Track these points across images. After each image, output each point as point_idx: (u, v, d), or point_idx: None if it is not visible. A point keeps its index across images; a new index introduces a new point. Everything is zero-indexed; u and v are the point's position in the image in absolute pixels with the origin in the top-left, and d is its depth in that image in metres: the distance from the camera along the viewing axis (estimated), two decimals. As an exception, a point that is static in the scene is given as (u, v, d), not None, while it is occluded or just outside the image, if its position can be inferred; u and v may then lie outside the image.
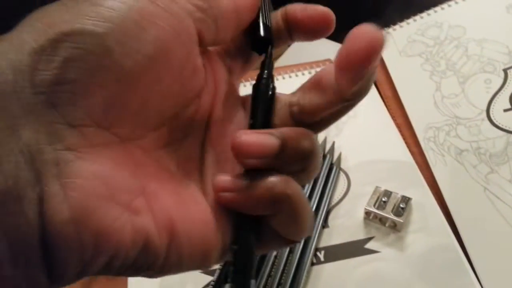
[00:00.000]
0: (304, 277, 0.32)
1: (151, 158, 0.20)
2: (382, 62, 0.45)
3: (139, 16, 0.18)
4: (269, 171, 0.19)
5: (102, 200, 0.17)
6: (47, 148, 0.16)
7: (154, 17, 0.18)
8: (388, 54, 0.45)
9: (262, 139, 0.19)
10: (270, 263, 0.33)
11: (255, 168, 0.19)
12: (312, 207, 0.36)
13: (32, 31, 0.17)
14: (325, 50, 0.55)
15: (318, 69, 0.46)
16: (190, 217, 0.19)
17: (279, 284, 0.32)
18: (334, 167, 0.39)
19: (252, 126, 0.20)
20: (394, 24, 0.47)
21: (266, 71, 0.22)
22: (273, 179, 0.19)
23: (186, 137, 0.21)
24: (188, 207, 0.19)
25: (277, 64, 0.56)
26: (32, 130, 0.16)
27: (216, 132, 0.22)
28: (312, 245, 0.34)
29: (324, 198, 0.37)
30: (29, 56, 0.17)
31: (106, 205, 0.17)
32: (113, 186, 0.17)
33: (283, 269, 0.33)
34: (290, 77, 0.47)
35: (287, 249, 0.34)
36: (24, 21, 0.18)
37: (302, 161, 0.20)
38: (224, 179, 0.20)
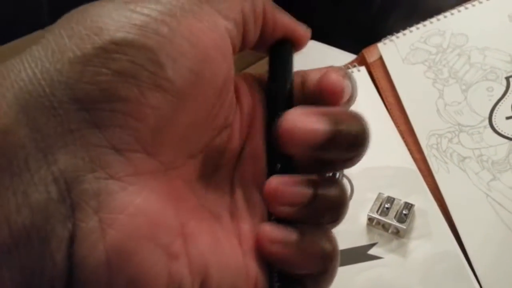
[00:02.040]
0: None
1: (191, 191, 0.18)
2: (385, 69, 0.45)
3: (189, 32, 0.16)
4: (318, 225, 0.18)
5: (143, 241, 0.14)
6: (87, 176, 0.14)
7: (201, 34, 0.16)
8: (391, 62, 0.45)
9: (296, 186, 0.18)
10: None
11: (286, 217, 0.18)
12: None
13: (74, 36, 0.15)
14: (329, 57, 0.56)
15: (321, 76, 0.47)
16: (225, 262, 0.17)
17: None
18: (337, 174, 0.39)
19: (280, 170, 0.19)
20: (398, 31, 0.47)
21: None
22: (326, 235, 0.18)
23: (217, 170, 0.19)
24: (223, 251, 0.17)
25: (281, 70, 0.57)
26: (70, 154, 0.14)
27: (248, 167, 0.20)
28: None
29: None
30: (71, 66, 0.14)
31: (147, 248, 0.14)
32: (156, 224, 0.15)
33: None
34: (293, 83, 0.47)
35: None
36: (59, 22, 0.15)
37: (333, 211, 0.19)
38: (274, 228, 0.18)
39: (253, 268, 0.18)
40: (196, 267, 0.16)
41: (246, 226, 0.19)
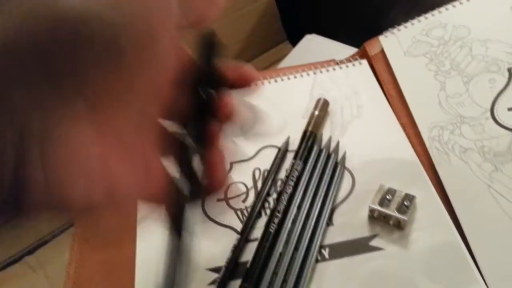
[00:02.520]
0: (308, 274, 0.33)
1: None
2: (387, 62, 0.45)
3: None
4: None
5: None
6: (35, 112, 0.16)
7: None
8: (393, 54, 0.45)
9: None
10: (275, 260, 0.33)
11: None
12: (317, 205, 0.36)
13: None
14: (329, 50, 0.56)
15: (323, 70, 0.47)
16: None
17: (284, 281, 0.32)
18: (339, 166, 0.39)
19: None
20: (399, 24, 0.47)
21: None
22: None
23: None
24: None
25: (281, 65, 0.57)
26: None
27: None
28: (316, 242, 0.34)
29: (329, 197, 0.37)
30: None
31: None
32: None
33: (288, 267, 0.33)
34: (295, 77, 0.47)
35: (292, 247, 0.34)
36: None
37: None
38: None
39: None
40: None
41: None
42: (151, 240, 0.36)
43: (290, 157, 0.40)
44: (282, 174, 0.40)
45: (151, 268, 0.35)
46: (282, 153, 0.41)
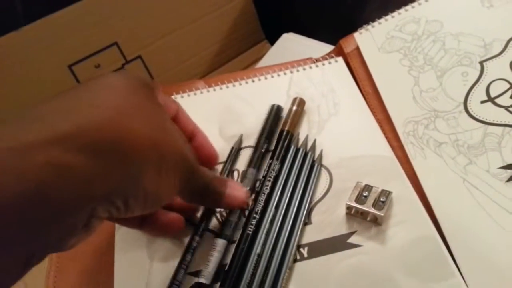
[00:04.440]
0: (286, 274, 0.33)
1: None
2: (362, 58, 0.46)
3: None
4: None
5: None
6: None
7: None
8: (368, 51, 0.45)
9: None
10: (254, 262, 0.33)
11: None
12: (295, 205, 0.36)
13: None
14: (307, 49, 0.56)
15: (300, 68, 0.47)
16: None
17: (262, 282, 0.32)
18: (315, 164, 0.39)
19: None
20: (373, 21, 0.47)
21: None
22: None
23: None
24: None
25: (259, 64, 0.57)
26: None
27: None
28: (294, 241, 0.34)
29: (306, 196, 0.37)
30: None
31: None
32: None
33: (266, 267, 0.33)
34: (272, 77, 0.47)
35: (270, 247, 0.34)
36: None
37: None
38: None
39: None
40: None
41: None
42: (129, 247, 0.36)
43: (267, 157, 0.40)
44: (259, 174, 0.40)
45: (130, 276, 0.35)
46: (235, 151, 0.41)
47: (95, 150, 0.21)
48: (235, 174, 0.40)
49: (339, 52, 0.48)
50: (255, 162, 0.40)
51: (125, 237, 0.37)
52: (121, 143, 0.22)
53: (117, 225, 0.37)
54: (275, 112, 0.43)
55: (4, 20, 0.46)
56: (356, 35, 0.47)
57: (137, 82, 0.26)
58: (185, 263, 0.34)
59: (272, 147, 0.41)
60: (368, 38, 0.46)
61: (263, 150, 0.41)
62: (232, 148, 0.41)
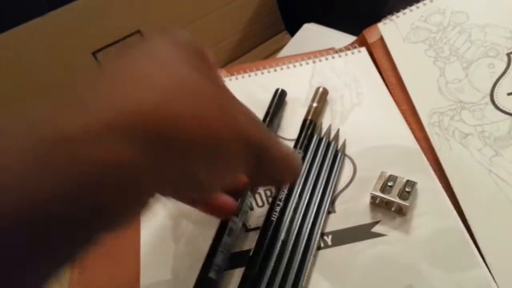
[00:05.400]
0: (311, 261, 0.33)
1: None
2: (386, 49, 0.45)
3: None
4: None
5: None
6: None
7: None
8: (392, 41, 0.45)
9: None
10: (278, 248, 0.33)
11: None
12: (318, 193, 0.36)
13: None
14: (328, 39, 0.55)
15: (322, 58, 0.47)
16: None
17: (286, 268, 0.33)
18: (339, 154, 0.39)
19: None
20: (398, 11, 0.47)
21: None
22: None
23: None
24: None
25: (280, 55, 0.57)
26: None
27: None
28: (318, 229, 0.34)
29: (330, 185, 0.37)
30: None
31: None
32: None
33: (291, 254, 0.33)
34: (294, 66, 0.47)
35: (294, 234, 0.34)
36: None
37: None
38: None
39: None
40: None
41: None
42: (155, 227, 0.37)
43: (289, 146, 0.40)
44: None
45: (155, 255, 0.35)
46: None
47: (145, 141, 0.18)
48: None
49: (362, 42, 0.48)
50: None
51: (150, 217, 0.37)
52: (172, 132, 0.19)
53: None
54: (279, 96, 0.43)
55: (28, 7, 0.47)
56: (380, 25, 0.47)
57: (188, 51, 0.21)
58: (223, 245, 0.34)
59: (276, 131, 0.42)
60: (393, 29, 0.46)
61: None
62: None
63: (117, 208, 0.19)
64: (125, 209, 0.19)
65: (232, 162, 0.22)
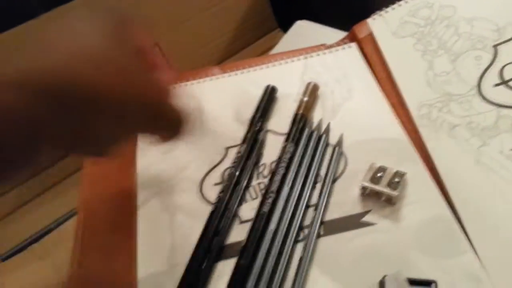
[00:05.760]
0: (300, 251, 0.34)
1: None
2: (375, 44, 0.46)
3: None
4: None
5: None
6: None
7: None
8: (381, 36, 0.46)
9: None
10: (270, 237, 0.34)
11: None
12: (309, 185, 0.37)
13: None
14: (320, 36, 0.56)
15: (313, 54, 0.47)
16: None
17: (278, 257, 0.33)
18: (336, 149, 0.40)
19: None
20: (387, 6, 0.48)
21: None
22: None
23: None
24: None
25: (273, 51, 0.58)
26: None
27: None
28: (318, 219, 0.35)
29: (328, 177, 0.38)
30: None
31: None
32: None
33: (282, 244, 0.34)
34: (286, 63, 0.48)
35: (286, 225, 0.35)
36: None
37: None
38: None
39: None
40: None
41: None
42: (151, 221, 0.37)
43: (281, 140, 0.41)
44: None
45: (152, 248, 0.36)
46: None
47: (38, 94, 0.22)
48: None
49: (352, 38, 0.49)
50: (249, 139, 0.41)
51: (147, 213, 0.38)
52: (69, 89, 0.23)
53: (139, 203, 0.39)
54: (269, 92, 0.44)
55: (20, 9, 0.47)
56: (369, 21, 0.48)
57: (106, 23, 0.26)
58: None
59: (269, 126, 0.43)
60: (382, 24, 0.47)
61: (256, 128, 0.42)
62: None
63: (10, 146, 0.23)
64: (20, 151, 0.23)
65: (127, 119, 0.26)
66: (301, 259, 0.33)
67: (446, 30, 0.44)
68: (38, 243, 0.43)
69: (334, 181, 0.38)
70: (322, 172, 0.39)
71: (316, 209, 0.36)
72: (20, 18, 0.45)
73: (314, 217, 0.35)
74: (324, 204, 0.36)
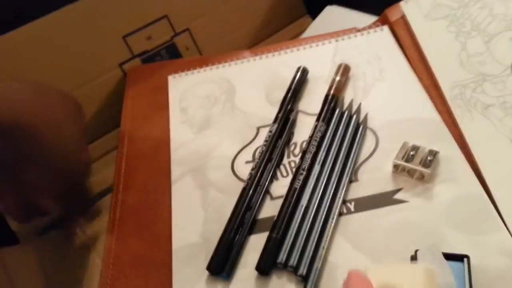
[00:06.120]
0: (333, 225, 0.34)
1: None
2: (408, 26, 0.46)
3: None
4: None
5: None
6: None
7: None
8: (414, 19, 0.46)
9: None
10: (301, 213, 0.35)
11: None
12: (340, 162, 0.38)
13: None
14: (350, 21, 0.56)
15: (345, 37, 0.48)
16: None
17: (309, 231, 0.34)
18: (361, 126, 0.40)
19: None
20: (418, -10, 0.47)
21: None
22: None
23: None
24: None
25: (303, 35, 0.58)
26: None
27: None
28: (340, 195, 0.35)
29: (351, 155, 0.38)
30: None
31: None
32: None
33: (313, 219, 0.34)
34: (317, 45, 0.48)
35: (317, 201, 0.35)
36: None
37: None
38: None
39: None
40: None
41: None
42: (184, 196, 0.38)
43: (312, 121, 0.41)
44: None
45: (186, 221, 0.37)
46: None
47: None
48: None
49: (384, 21, 0.49)
50: (280, 118, 0.41)
51: (181, 189, 0.39)
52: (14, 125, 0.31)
53: (173, 178, 0.40)
54: (301, 73, 0.45)
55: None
56: (402, 3, 0.47)
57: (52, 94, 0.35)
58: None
59: (300, 107, 0.44)
60: (414, 7, 0.47)
61: (287, 108, 0.42)
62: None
63: None
64: None
65: (50, 171, 0.35)
66: (322, 233, 0.34)
67: (480, 12, 0.44)
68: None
69: (365, 159, 0.38)
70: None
71: (337, 186, 0.36)
72: (61, 1, 0.47)
73: (337, 194, 0.36)
74: (346, 180, 0.36)
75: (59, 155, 0.34)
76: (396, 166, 0.36)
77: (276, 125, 0.41)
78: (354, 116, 0.41)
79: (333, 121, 0.40)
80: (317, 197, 0.36)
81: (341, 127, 0.40)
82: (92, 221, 0.42)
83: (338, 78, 0.43)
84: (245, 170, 0.39)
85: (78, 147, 0.36)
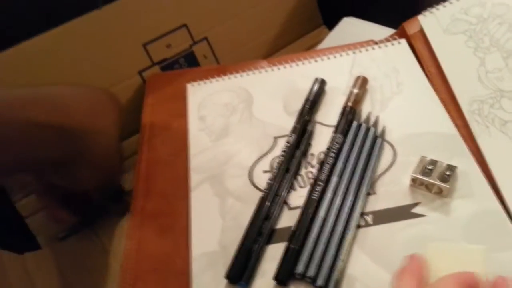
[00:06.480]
0: (350, 237, 0.34)
1: None
2: (426, 40, 0.46)
3: None
4: None
5: None
6: None
7: None
8: (432, 33, 0.46)
9: None
10: (319, 224, 0.35)
11: None
12: (358, 175, 0.38)
13: None
14: (367, 32, 0.57)
15: (362, 49, 0.48)
16: None
17: (328, 242, 0.34)
18: (378, 139, 0.40)
19: None
20: (438, 4, 0.48)
21: None
22: None
23: None
24: None
25: (320, 46, 0.58)
26: None
27: None
28: (358, 208, 0.36)
29: (370, 168, 0.38)
30: None
31: None
32: None
33: (332, 231, 0.35)
34: (335, 57, 0.49)
35: (334, 213, 0.36)
36: None
37: None
38: None
39: None
40: None
41: None
42: (203, 204, 0.39)
43: (329, 132, 0.42)
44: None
45: (204, 229, 0.37)
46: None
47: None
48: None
49: (401, 34, 0.49)
50: (298, 129, 0.42)
51: (200, 196, 0.40)
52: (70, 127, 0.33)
53: (192, 185, 0.40)
54: (319, 84, 0.45)
55: (83, 1, 0.50)
56: (420, 17, 0.48)
57: (99, 95, 0.39)
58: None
59: (317, 118, 0.44)
60: (433, 21, 0.47)
61: (305, 119, 0.42)
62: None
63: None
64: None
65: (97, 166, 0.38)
66: (341, 245, 0.34)
67: (499, 28, 0.44)
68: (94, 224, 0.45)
69: (383, 172, 0.39)
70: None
71: (355, 199, 0.36)
72: (83, 9, 0.48)
73: (355, 206, 0.36)
74: (364, 193, 0.37)
75: (106, 153, 0.37)
76: (414, 180, 0.37)
77: (293, 136, 0.42)
78: (372, 129, 0.41)
79: (350, 133, 0.41)
80: (336, 209, 0.36)
81: (358, 139, 0.40)
82: (125, 216, 0.44)
83: (356, 90, 0.44)
84: (262, 179, 0.40)
85: (119, 144, 0.39)
